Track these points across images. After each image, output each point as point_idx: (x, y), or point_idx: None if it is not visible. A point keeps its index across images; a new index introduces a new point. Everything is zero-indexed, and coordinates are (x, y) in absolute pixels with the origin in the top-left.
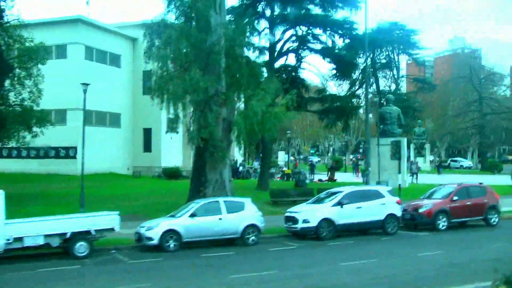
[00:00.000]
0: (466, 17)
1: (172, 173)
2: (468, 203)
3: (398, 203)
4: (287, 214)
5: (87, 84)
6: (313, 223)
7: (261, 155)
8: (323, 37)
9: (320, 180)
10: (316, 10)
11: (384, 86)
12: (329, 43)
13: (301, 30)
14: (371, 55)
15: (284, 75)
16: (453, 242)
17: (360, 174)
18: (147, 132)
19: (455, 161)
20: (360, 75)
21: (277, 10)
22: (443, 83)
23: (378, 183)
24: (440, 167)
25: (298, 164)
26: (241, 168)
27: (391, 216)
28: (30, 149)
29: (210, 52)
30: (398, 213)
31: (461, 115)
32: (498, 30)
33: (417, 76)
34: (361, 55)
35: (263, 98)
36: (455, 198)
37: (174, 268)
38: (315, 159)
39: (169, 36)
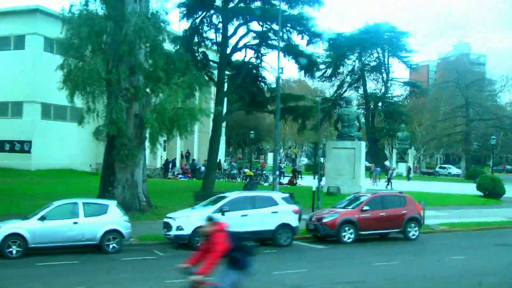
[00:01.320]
0: (475, 25)
1: None
2: (382, 214)
3: (294, 211)
4: (165, 219)
5: None
6: (187, 230)
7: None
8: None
9: (280, 183)
10: (282, 5)
11: (375, 89)
12: (295, 40)
13: (260, 25)
14: (359, 56)
15: (244, 72)
16: (341, 258)
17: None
18: None
19: (444, 168)
20: (348, 76)
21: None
22: (430, 88)
23: (329, 188)
24: (409, 173)
25: (264, 165)
26: (203, 168)
27: (284, 226)
28: None
29: (121, 42)
30: (294, 223)
31: (448, 121)
32: (505, 39)
33: (413, 80)
34: (350, 55)
35: (175, 93)
36: (365, 208)
37: None
38: (303, 161)
39: (71, 24)
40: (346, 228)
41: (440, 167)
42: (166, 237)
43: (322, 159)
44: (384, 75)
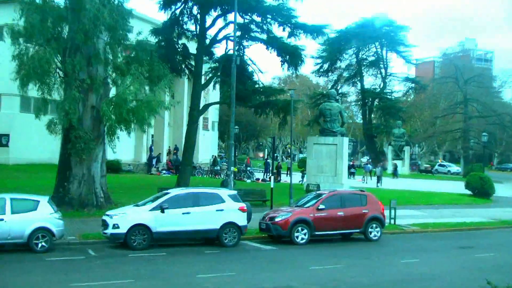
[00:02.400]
0: (482, 22)
1: (109, 166)
2: (340, 213)
3: (241, 209)
4: (103, 216)
5: None
6: (123, 229)
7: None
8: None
9: (263, 180)
10: None
11: (373, 85)
12: (275, 32)
13: (240, 16)
14: (356, 51)
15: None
16: (283, 260)
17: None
18: None
19: (443, 166)
20: (345, 71)
21: None
22: (430, 84)
23: (308, 186)
24: (396, 171)
25: (249, 162)
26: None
27: (230, 225)
28: None
29: (77, 31)
30: (241, 221)
31: (447, 117)
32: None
33: (417, 76)
34: (347, 50)
35: (133, 85)
36: (321, 206)
37: None
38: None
39: (23, 11)
40: (299, 228)
41: (440, 165)
42: (104, 235)
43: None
44: (383, 70)
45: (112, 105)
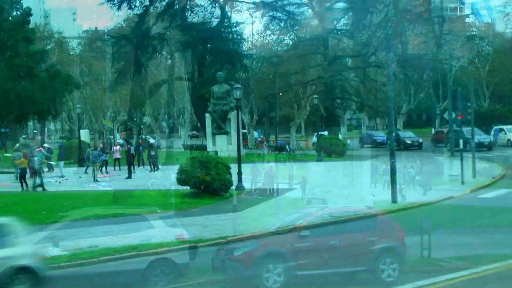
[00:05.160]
0: None
1: None
2: (334, 242)
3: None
4: None
5: None
6: None
7: None
8: None
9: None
10: None
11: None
12: None
13: None
14: None
15: None
16: None
17: None
18: None
19: None
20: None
21: None
22: None
23: (311, 200)
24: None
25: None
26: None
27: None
28: None
29: None
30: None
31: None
32: None
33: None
34: None
35: None
36: (304, 233)
37: None
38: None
39: None
40: (271, 266)
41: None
42: None
43: None
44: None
45: None
